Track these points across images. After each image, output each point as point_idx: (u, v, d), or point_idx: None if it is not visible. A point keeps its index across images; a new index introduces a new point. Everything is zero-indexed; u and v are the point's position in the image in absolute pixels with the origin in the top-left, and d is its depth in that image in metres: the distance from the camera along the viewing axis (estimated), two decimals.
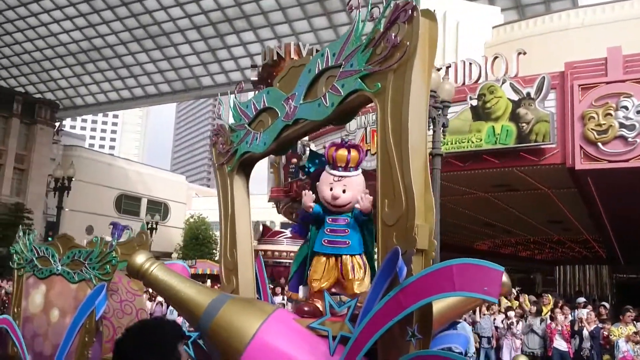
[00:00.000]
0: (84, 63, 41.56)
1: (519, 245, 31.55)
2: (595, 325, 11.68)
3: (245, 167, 4.85)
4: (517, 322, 12.43)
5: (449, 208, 19.21)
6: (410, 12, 3.44)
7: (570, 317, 12.50)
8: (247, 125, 4.69)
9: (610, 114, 13.22)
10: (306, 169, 4.83)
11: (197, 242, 46.85)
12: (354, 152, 4.28)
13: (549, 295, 14.12)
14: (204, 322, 3.89)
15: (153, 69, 41.15)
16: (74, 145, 49.97)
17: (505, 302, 14.34)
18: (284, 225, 31.46)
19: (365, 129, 17.09)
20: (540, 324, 12.04)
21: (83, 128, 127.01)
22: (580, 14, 20.66)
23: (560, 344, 11.69)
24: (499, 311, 13.32)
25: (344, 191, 4.22)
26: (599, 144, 13.26)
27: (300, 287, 4.53)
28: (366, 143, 17.03)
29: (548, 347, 11.91)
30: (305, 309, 4.15)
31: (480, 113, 14.75)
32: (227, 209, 4.78)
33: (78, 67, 42.17)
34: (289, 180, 22.19)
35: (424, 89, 3.64)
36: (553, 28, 20.66)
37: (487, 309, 13.06)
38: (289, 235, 23.49)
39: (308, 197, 4.39)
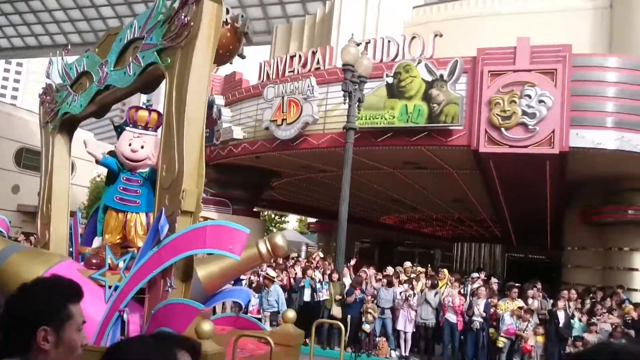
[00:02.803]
0: None
1: (423, 221, 32.83)
2: (486, 300, 12.41)
3: (68, 127, 5.16)
4: (414, 295, 12.98)
5: (359, 182, 19.65)
6: None
7: (463, 291, 13.22)
8: (69, 87, 4.96)
9: (515, 101, 13.86)
10: (119, 130, 5.16)
11: None
12: (154, 114, 4.74)
13: (445, 271, 14.83)
14: None
15: (63, 17, 38.68)
16: None
17: (404, 276, 14.93)
18: None
19: (283, 98, 17.01)
20: (435, 296, 12.66)
21: None
22: (496, 2, 21.40)
23: (450, 316, 12.36)
24: (399, 283, 13.83)
25: (142, 147, 4.66)
26: (502, 129, 13.90)
27: (95, 239, 4.99)
28: (282, 112, 16.98)
29: (440, 319, 12.56)
30: (93, 261, 4.61)
31: (395, 91, 15.04)
32: (47, 166, 5.05)
33: None
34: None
35: (206, 66, 4.03)
36: (469, 13, 21.30)
37: (398, 283, 13.55)
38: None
39: (91, 146, 4.86)
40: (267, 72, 18.86)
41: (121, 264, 4.44)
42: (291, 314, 5.48)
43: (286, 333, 5.56)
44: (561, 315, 11.81)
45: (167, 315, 3.84)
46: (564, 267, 21.08)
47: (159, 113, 4.67)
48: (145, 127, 4.72)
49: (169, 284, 3.86)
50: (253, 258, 4.82)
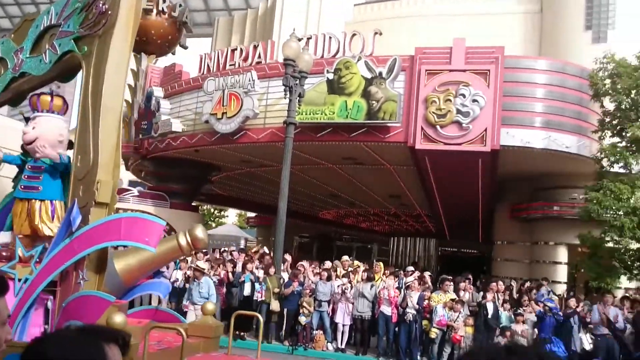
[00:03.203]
0: None
1: (360, 216, 33.34)
2: (419, 293, 12.78)
3: None
4: (351, 288, 13.22)
5: (298, 176, 19.78)
6: None
7: (397, 285, 13.55)
8: None
9: (450, 100, 14.32)
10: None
11: None
12: (43, 97, 4.73)
13: (380, 264, 15.16)
14: None
15: None
16: None
17: (342, 270, 15.17)
18: (132, 183, 30.36)
19: (223, 91, 16.91)
20: (371, 289, 12.93)
21: None
22: (434, 3, 21.97)
23: (385, 309, 12.65)
24: (337, 277, 14.04)
25: (33, 129, 4.63)
26: (438, 126, 14.35)
27: (1, 234, 4.99)
28: (223, 105, 16.88)
29: (375, 311, 12.84)
30: (3, 253, 4.63)
31: (335, 87, 15.22)
32: None
33: None
34: (140, 136, 21.39)
35: (125, 55, 4.06)
36: (408, 13, 21.77)
37: (336, 277, 13.75)
38: (136, 193, 22.72)
39: None
40: (208, 65, 18.67)
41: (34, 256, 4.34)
42: (210, 306, 5.51)
43: (205, 325, 5.62)
44: (490, 307, 12.34)
45: (78, 307, 3.80)
46: (493, 261, 21.95)
47: (51, 95, 4.60)
48: (40, 111, 4.65)
49: (81, 276, 3.83)
50: (173, 250, 4.82)
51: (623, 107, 14.23)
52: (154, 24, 21.80)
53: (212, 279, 13.59)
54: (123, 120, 19.92)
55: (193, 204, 25.21)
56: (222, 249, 19.06)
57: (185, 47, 24.21)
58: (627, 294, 13.87)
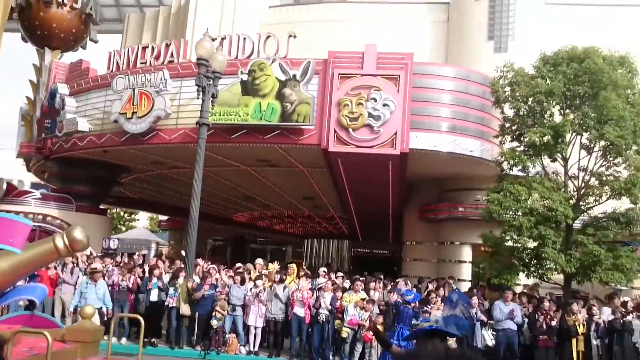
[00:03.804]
0: None
1: (275, 218, 33.34)
2: (332, 294, 12.95)
3: None
4: (264, 290, 13.19)
5: (212, 178, 19.54)
6: None
7: (310, 286, 13.66)
8: None
9: (362, 104, 14.64)
10: None
11: None
12: None
13: (293, 266, 15.24)
14: None
15: None
16: None
17: (255, 273, 15.12)
18: (34, 185, 28.81)
19: (134, 90, 16.41)
20: (284, 291, 12.97)
21: None
22: (348, 8, 22.41)
23: (298, 310, 12.73)
24: (250, 279, 13.97)
25: None
26: (350, 129, 14.63)
27: None
28: (133, 105, 16.39)
29: (289, 313, 12.89)
30: None
31: (249, 88, 15.18)
32: None
33: None
34: (43, 135, 20.39)
35: None
36: (324, 17, 22.09)
37: (248, 280, 13.64)
38: (39, 196, 21.56)
39: None
40: (117, 62, 18.05)
41: None
42: (89, 310, 5.35)
43: (82, 329, 5.52)
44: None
45: None
46: (403, 261, 22.62)
47: None
48: None
49: None
50: (49, 252, 4.62)
51: (521, 113, 15.07)
52: (55, 16, 20.70)
53: (121, 284, 13.20)
54: (24, 118, 18.83)
55: (101, 207, 24.27)
56: (137, 253, 18.52)
57: (95, 41, 23.21)
58: (524, 290, 14.68)
